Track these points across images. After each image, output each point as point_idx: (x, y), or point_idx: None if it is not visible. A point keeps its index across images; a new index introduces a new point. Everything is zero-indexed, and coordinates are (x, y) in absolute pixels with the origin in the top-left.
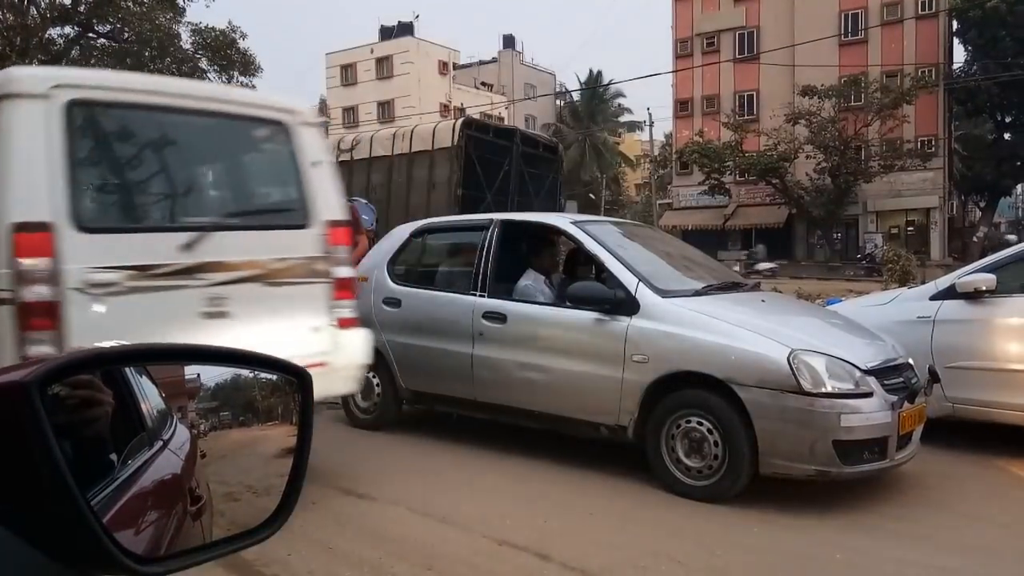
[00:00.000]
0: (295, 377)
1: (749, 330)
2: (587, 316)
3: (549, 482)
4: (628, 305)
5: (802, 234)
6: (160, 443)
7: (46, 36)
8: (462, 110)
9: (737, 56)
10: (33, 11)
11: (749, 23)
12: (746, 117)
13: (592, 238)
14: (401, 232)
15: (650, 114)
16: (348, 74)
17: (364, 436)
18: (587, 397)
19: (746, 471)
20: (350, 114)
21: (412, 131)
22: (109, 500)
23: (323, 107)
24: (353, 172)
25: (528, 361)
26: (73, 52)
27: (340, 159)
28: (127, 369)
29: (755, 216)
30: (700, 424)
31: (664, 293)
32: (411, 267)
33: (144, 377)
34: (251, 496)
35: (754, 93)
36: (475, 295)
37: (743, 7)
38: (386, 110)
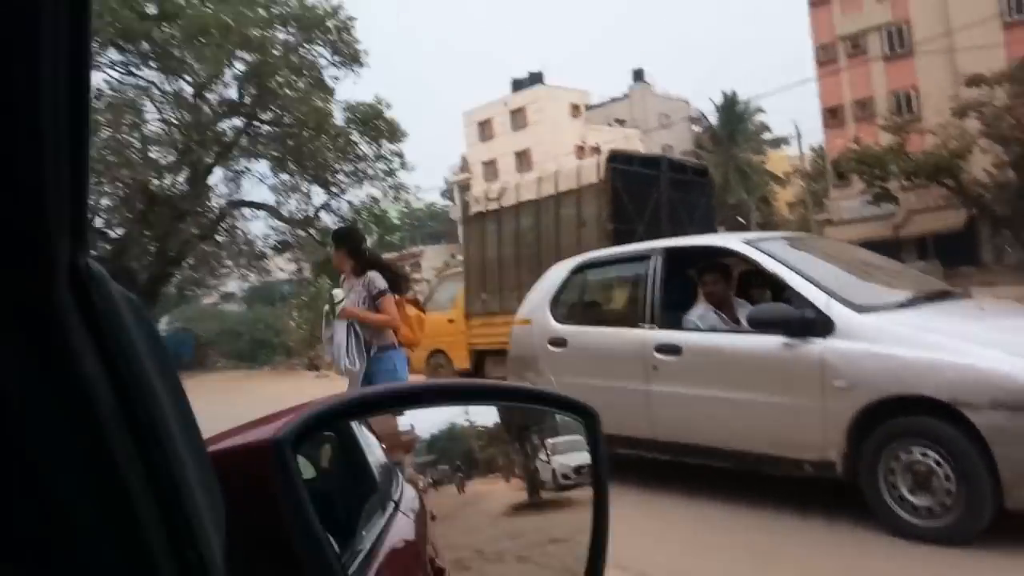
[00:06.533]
0: (580, 415)
1: (974, 343)
2: (773, 341)
3: (752, 529)
4: (820, 325)
5: (987, 236)
6: (392, 504)
7: (218, 128)
8: (597, 149)
9: (888, 53)
10: (205, 108)
11: (897, 17)
12: (906, 117)
13: (769, 255)
14: (559, 270)
15: (797, 127)
16: (485, 130)
17: None
18: (783, 431)
19: (988, 507)
20: (490, 168)
21: (556, 173)
22: (359, 572)
23: (464, 164)
24: (502, 220)
25: (710, 394)
26: (242, 140)
27: (489, 208)
28: (353, 422)
29: (929, 222)
30: (924, 455)
31: (861, 308)
32: (574, 304)
33: (365, 429)
34: (482, 563)
35: (912, 90)
36: (644, 327)
37: (888, 2)
38: (523, 160)
